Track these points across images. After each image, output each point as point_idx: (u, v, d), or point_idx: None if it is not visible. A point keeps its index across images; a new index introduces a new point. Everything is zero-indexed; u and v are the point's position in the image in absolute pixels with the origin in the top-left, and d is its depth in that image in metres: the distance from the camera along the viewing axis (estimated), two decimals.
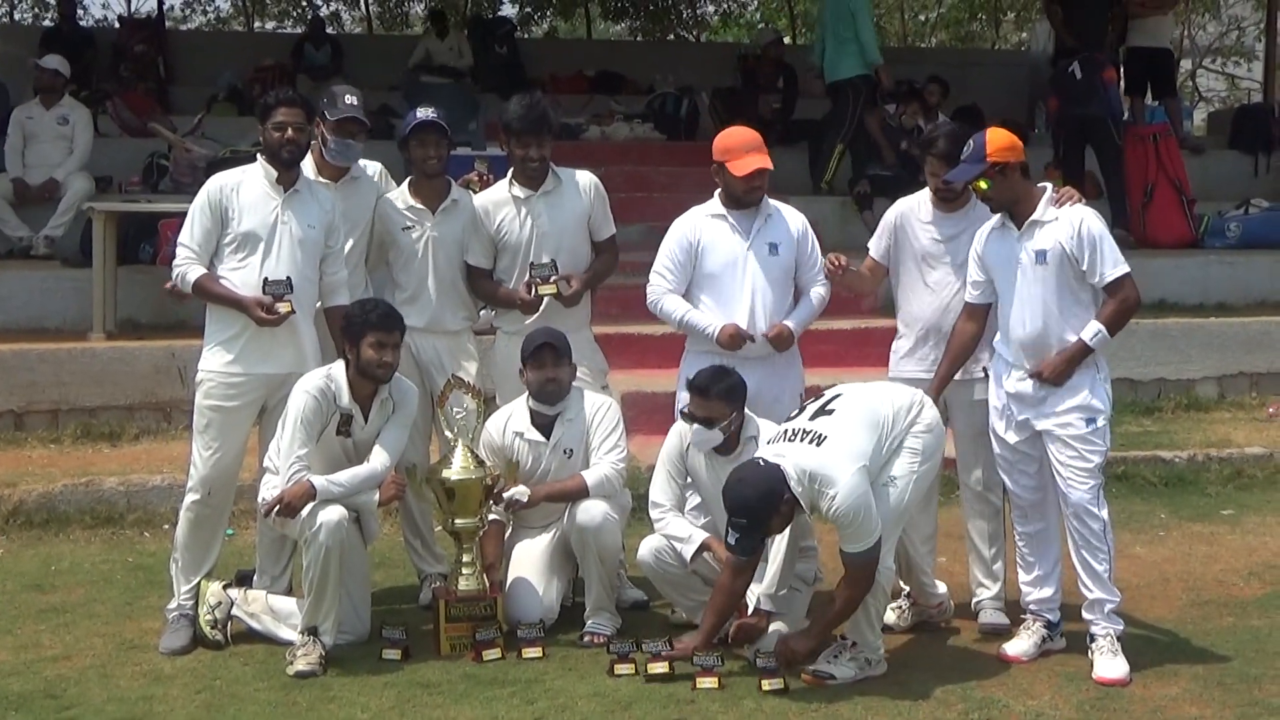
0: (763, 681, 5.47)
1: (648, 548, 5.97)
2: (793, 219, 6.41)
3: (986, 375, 6.04)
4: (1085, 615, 5.79)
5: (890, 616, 6.07)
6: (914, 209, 6.27)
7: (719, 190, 6.36)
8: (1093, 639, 5.75)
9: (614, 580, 6.26)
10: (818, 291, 6.41)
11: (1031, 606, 5.96)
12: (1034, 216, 5.77)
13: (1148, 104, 13.88)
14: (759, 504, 5.35)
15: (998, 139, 5.77)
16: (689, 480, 6.02)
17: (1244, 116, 15.52)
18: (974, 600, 6.30)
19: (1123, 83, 13.53)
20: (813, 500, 5.39)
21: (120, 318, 9.81)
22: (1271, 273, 12.03)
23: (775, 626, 5.73)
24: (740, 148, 6.27)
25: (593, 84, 15.83)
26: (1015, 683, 5.58)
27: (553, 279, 6.34)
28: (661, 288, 6.35)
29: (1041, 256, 5.72)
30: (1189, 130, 17.04)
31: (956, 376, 6.08)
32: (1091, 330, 5.69)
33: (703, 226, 6.34)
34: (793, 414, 5.75)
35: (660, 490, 5.98)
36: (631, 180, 11.83)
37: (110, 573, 7.08)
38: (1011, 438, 5.86)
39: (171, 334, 9.33)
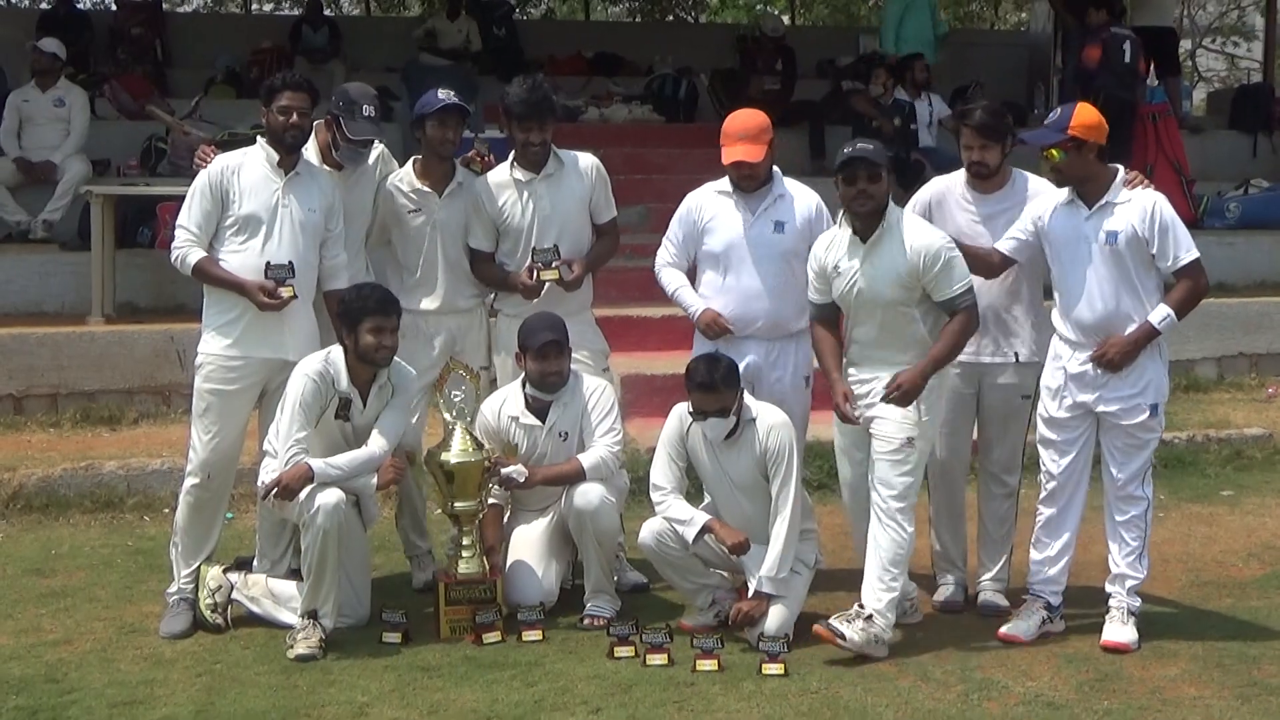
0: (763, 665, 5.48)
1: (649, 531, 5.98)
2: (805, 200, 6.39)
3: (1018, 359, 6.04)
4: (1107, 586, 5.82)
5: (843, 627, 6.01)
6: (951, 188, 6.18)
7: None
8: (1108, 610, 5.78)
9: (613, 563, 6.26)
10: None
11: (1035, 586, 5.97)
12: (1106, 198, 5.75)
13: (1148, 84, 13.85)
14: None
15: (1085, 115, 5.77)
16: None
17: (1244, 96, 15.49)
18: (977, 580, 6.30)
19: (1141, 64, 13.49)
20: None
21: (119, 301, 9.81)
22: (1271, 253, 12.04)
23: (775, 609, 5.74)
24: (732, 134, 6.27)
25: (591, 65, 15.78)
26: (1015, 664, 5.59)
27: (554, 264, 6.34)
28: (663, 259, 6.42)
29: (1113, 238, 5.70)
30: (1188, 110, 16.99)
31: (988, 359, 6.05)
32: (1160, 314, 5.67)
33: (708, 203, 6.36)
34: None
35: (661, 473, 5.98)
36: (630, 162, 11.81)
37: (110, 557, 7.08)
38: (1062, 416, 5.84)
39: (170, 317, 9.34)
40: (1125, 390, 5.72)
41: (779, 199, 6.32)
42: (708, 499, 6.08)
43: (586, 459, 6.10)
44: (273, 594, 6.05)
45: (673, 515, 5.91)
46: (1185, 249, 5.70)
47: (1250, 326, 10.54)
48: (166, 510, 7.40)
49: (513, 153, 6.53)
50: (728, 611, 5.87)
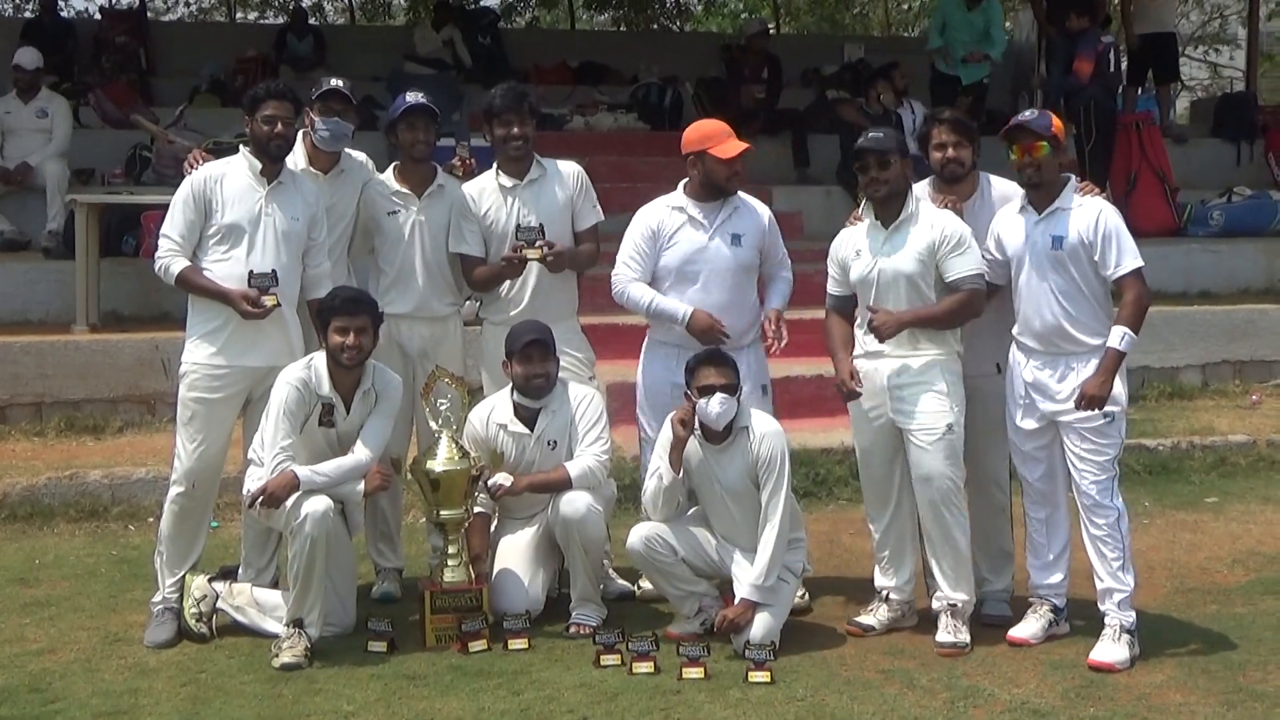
0: (749, 673, 5.47)
1: (637, 535, 5.97)
2: (759, 210, 6.43)
3: (999, 370, 6.04)
4: (1100, 604, 5.80)
5: (868, 619, 6.09)
6: (923, 194, 6.15)
7: (684, 182, 6.38)
8: (1103, 626, 5.77)
9: (599, 571, 6.26)
10: (785, 276, 6.49)
11: (1040, 591, 5.99)
12: (1056, 204, 5.78)
13: (1139, 92, 13.92)
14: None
15: (1058, 121, 5.84)
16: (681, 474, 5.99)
17: (1227, 105, 15.54)
18: (979, 591, 6.21)
19: (1125, 69, 13.55)
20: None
21: (103, 310, 9.79)
22: (1255, 260, 12.08)
23: (761, 617, 5.73)
24: (718, 134, 6.30)
25: (576, 74, 15.78)
26: (1001, 671, 5.59)
27: (538, 243, 6.33)
28: (626, 276, 6.36)
29: (1059, 243, 5.73)
30: (1172, 118, 17.06)
31: (969, 373, 6.01)
32: (1118, 335, 5.67)
33: (665, 218, 6.37)
34: None
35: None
36: (615, 170, 11.81)
37: (95, 566, 7.06)
38: (1027, 425, 5.87)
39: (155, 326, 9.33)
40: (1074, 399, 5.72)
41: (735, 210, 6.35)
42: (696, 506, 6.08)
43: (573, 467, 6.09)
44: (258, 603, 6.03)
45: (651, 488, 5.94)
46: (1129, 256, 5.71)
47: (1235, 334, 10.58)
48: (151, 519, 7.38)
49: (496, 161, 6.55)
50: (714, 619, 5.87)
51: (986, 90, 13.40)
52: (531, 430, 6.17)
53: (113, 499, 7.83)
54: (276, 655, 5.68)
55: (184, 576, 6.07)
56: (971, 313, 5.88)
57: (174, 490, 6.11)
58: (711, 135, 6.29)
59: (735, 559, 5.90)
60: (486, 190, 6.51)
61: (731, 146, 6.24)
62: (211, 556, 6.51)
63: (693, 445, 5.93)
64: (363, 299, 5.99)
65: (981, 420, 6.10)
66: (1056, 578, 5.97)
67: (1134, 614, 5.77)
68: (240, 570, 6.23)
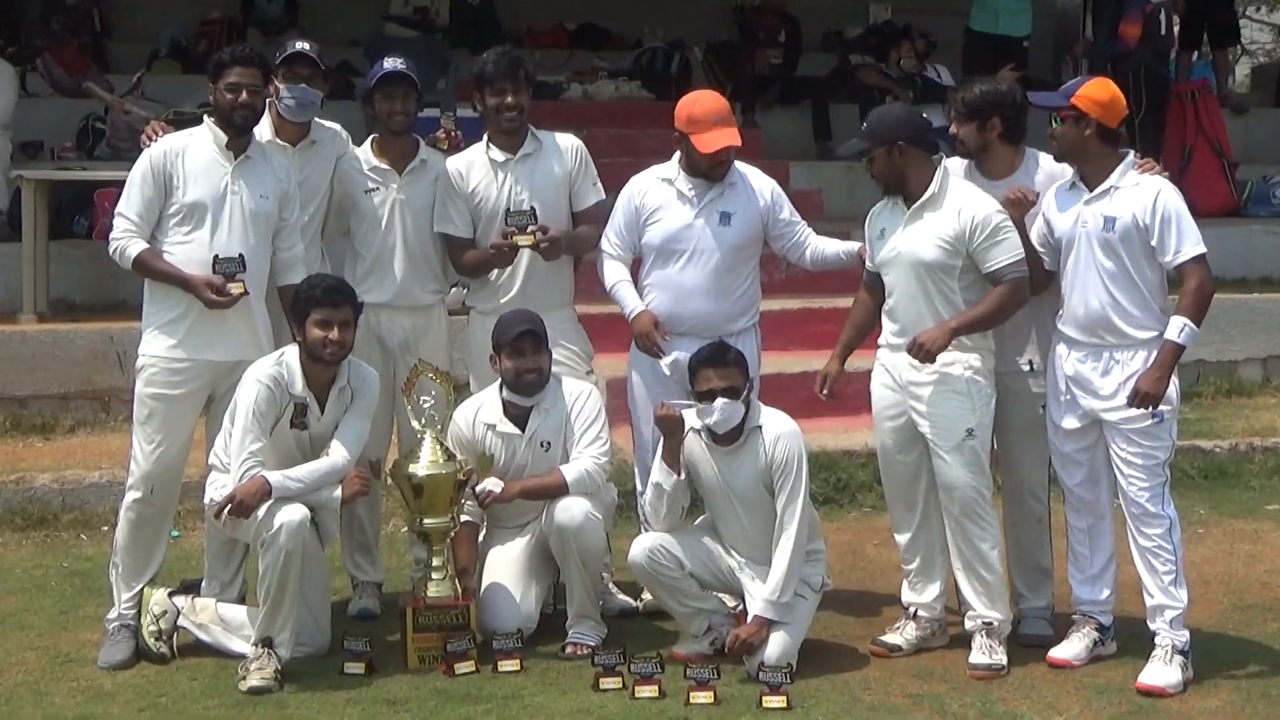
0: (763, 697, 5.48)
1: (640, 548, 5.98)
2: (759, 186, 6.46)
3: (1033, 368, 6.07)
4: (1149, 623, 5.80)
5: (894, 639, 6.11)
6: (954, 172, 6.17)
7: (679, 153, 6.44)
8: (1153, 646, 5.77)
9: (598, 585, 6.27)
10: (836, 247, 6.55)
11: (1083, 608, 6.00)
12: (1109, 182, 5.78)
13: (1193, 58, 13.90)
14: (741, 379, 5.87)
15: (1095, 89, 5.81)
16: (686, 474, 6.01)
17: None
18: (1016, 609, 6.25)
19: (1177, 34, 13.52)
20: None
21: (53, 297, 9.78)
22: None
23: (777, 636, 5.74)
24: (706, 119, 6.31)
25: (574, 38, 15.75)
26: (1040, 695, 5.60)
27: (530, 229, 6.33)
28: (606, 250, 6.49)
29: (1110, 224, 5.72)
30: (1231, 86, 17.02)
31: (999, 368, 6.04)
32: (1176, 326, 5.66)
33: (651, 191, 6.43)
34: None
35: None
36: (617, 144, 11.80)
37: (44, 579, 7.07)
38: (1069, 424, 5.88)
39: (110, 315, 9.32)
40: (1126, 394, 5.72)
41: (729, 188, 6.40)
42: (705, 515, 6.09)
43: (570, 471, 6.10)
44: (223, 620, 6.04)
45: (650, 498, 5.98)
46: (1190, 243, 5.70)
47: None
48: (105, 528, 7.39)
49: (486, 133, 6.55)
50: (725, 639, 5.88)
51: (1027, 53, 13.35)
52: (523, 431, 6.17)
53: (63, 505, 7.84)
54: (244, 678, 5.69)
55: (142, 591, 6.08)
56: (1017, 304, 5.88)
57: (130, 496, 6.11)
58: (698, 119, 6.31)
59: (748, 573, 5.90)
60: (475, 165, 6.52)
61: (713, 139, 6.26)
62: (172, 569, 6.52)
63: (699, 448, 5.94)
64: (345, 289, 6.00)
65: (1014, 421, 6.12)
66: (1102, 593, 5.98)
67: (1187, 633, 5.77)
68: (203, 584, 6.24)
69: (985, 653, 5.88)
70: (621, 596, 6.56)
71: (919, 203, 5.88)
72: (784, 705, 5.45)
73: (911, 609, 6.12)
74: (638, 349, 6.42)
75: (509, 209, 6.39)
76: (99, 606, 6.36)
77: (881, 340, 6.06)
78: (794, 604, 5.83)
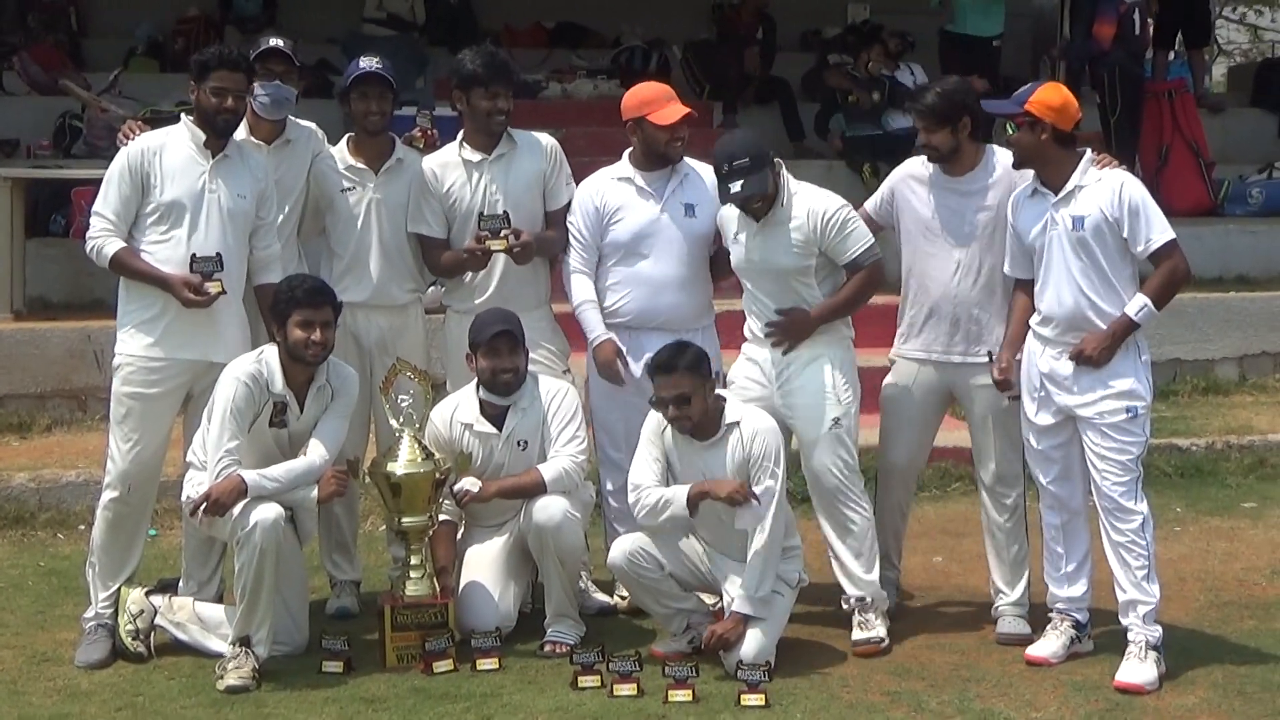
0: (741, 695, 5.49)
1: (619, 550, 5.98)
2: (709, 177, 6.45)
3: (990, 358, 6.11)
4: (1121, 619, 5.85)
5: (880, 630, 6.15)
6: (914, 171, 6.32)
7: (628, 151, 6.51)
8: (1127, 643, 5.80)
9: (576, 584, 6.27)
10: None
11: (1059, 605, 6.03)
12: (1072, 183, 5.83)
13: (1169, 57, 13.92)
14: (755, 146, 5.98)
15: (1046, 94, 5.88)
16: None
17: (1268, 71, 15.54)
18: (993, 607, 6.32)
19: (1151, 33, 13.54)
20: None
21: (29, 296, 9.76)
22: None
23: (754, 633, 5.75)
24: (660, 97, 6.42)
25: (552, 36, 15.74)
26: (1018, 693, 5.62)
27: (503, 233, 6.33)
28: (571, 264, 6.51)
29: (1079, 223, 5.78)
30: (1208, 86, 17.07)
31: (957, 359, 6.18)
32: (1137, 304, 5.73)
33: (609, 190, 6.47)
34: None
35: (641, 470, 5.98)
36: (596, 143, 11.76)
37: (20, 578, 7.06)
38: (1042, 420, 5.93)
39: (87, 314, 9.30)
40: (1101, 391, 5.78)
41: (686, 178, 6.45)
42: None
43: (547, 470, 6.10)
44: (200, 619, 6.04)
45: (652, 502, 5.89)
46: (1159, 230, 5.77)
47: (1275, 323, 10.57)
48: (82, 527, 7.37)
49: (461, 132, 6.55)
50: (703, 637, 5.88)
51: (999, 53, 13.37)
52: (500, 430, 6.17)
53: (40, 504, 7.82)
54: (221, 677, 5.68)
55: (119, 590, 6.06)
56: (875, 287, 6.14)
57: (107, 495, 6.10)
58: (650, 100, 6.41)
59: (725, 569, 5.91)
60: (450, 165, 6.51)
61: (671, 111, 6.36)
62: (149, 568, 6.52)
63: (676, 443, 5.95)
64: (326, 290, 6.00)
65: (977, 412, 6.23)
66: (1077, 590, 6.01)
67: (1159, 628, 5.80)
68: (181, 583, 6.23)
69: (863, 628, 6.03)
70: (600, 595, 6.57)
71: (770, 214, 6.09)
72: (762, 703, 5.46)
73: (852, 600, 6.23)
74: (600, 376, 6.48)
75: (483, 212, 6.39)
76: (76, 606, 6.35)
77: (747, 334, 6.27)
78: (771, 600, 5.84)
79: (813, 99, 13.26)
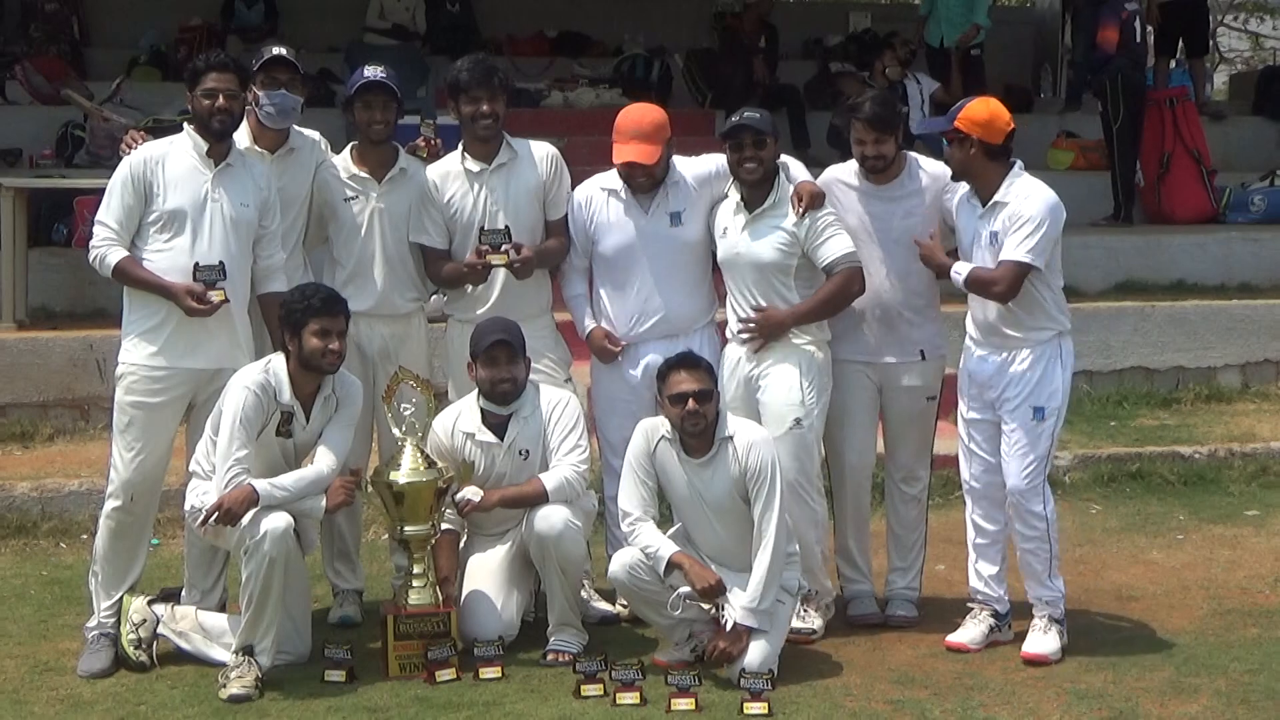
0: (745, 704, 5.49)
1: (619, 563, 5.98)
2: (699, 170, 6.48)
3: (924, 357, 6.37)
4: (1030, 602, 6.16)
5: (816, 622, 6.35)
6: (842, 176, 6.46)
7: None
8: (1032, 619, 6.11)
9: (579, 593, 6.27)
10: None
11: (980, 595, 6.24)
12: (996, 197, 6.02)
13: (1170, 65, 13.92)
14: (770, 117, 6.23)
15: (975, 110, 6.07)
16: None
17: (1269, 79, 15.56)
18: (887, 589, 6.60)
19: (1152, 40, 13.56)
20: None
21: (32, 305, 9.75)
22: None
23: (757, 644, 5.75)
24: (626, 131, 6.42)
25: (554, 45, 15.76)
26: (1020, 701, 5.62)
27: (504, 247, 6.34)
28: (570, 261, 6.62)
29: (994, 238, 6.01)
30: (1209, 94, 17.08)
31: (891, 359, 6.39)
32: (963, 270, 6.04)
33: (596, 202, 6.52)
34: None
35: (628, 497, 5.99)
36: (598, 152, 11.67)
37: (23, 588, 7.06)
38: (970, 416, 6.20)
39: (89, 323, 9.30)
40: (1012, 390, 6.05)
41: (672, 187, 6.46)
42: (677, 524, 6.09)
43: (549, 479, 6.10)
44: (203, 628, 6.04)
45: (643, 544, 5.92)
46: (1015, 247, 5.92)
47: (1278, 330, 10.57)
48: (85, 536, 7.37)
49: (461, 142, 6.55)
50: (705, 646, 5.88)
51: (979, 61, 13.35)
52: (501, 439, 6.17)
53: (42, 514, 7.82)
54: (224, 686, 5.68)
55: (121, 599, 6.07)
56: (851, 293, 6.25)
57: (110, 504, 6.10)
58: (618, 130, 6.44)
59: (727, 581, 5.89)
60: (451, 175, 6.52)
61: (622, 153, 6.37)
62: (152, 577, 6.51)
63: (672, 461, 5.97)
64: (340, 299, 6.02)
65: (897, 410, 6.48)
66: (995, 581, 6.22)
67: (1063, 607, 6.12)
68: (183, 592, 6.23)
69: (800, 618, 6.25)
70: (602, 604, 6.56)
71: (764, 206, 6.23)
72: (765, 712, 5.46)
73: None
74: (598, 360, 6.58)
75: (483, 227, 6.39)
76: (78, 615, 6.35)
77: (729, 334, 6.39)
78: (773, 610, 5.84)
79: (816, 107, 13.27)
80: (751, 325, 6.22)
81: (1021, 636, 6.14)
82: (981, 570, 6.23)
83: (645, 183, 6.39)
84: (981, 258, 6.03)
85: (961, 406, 6.26)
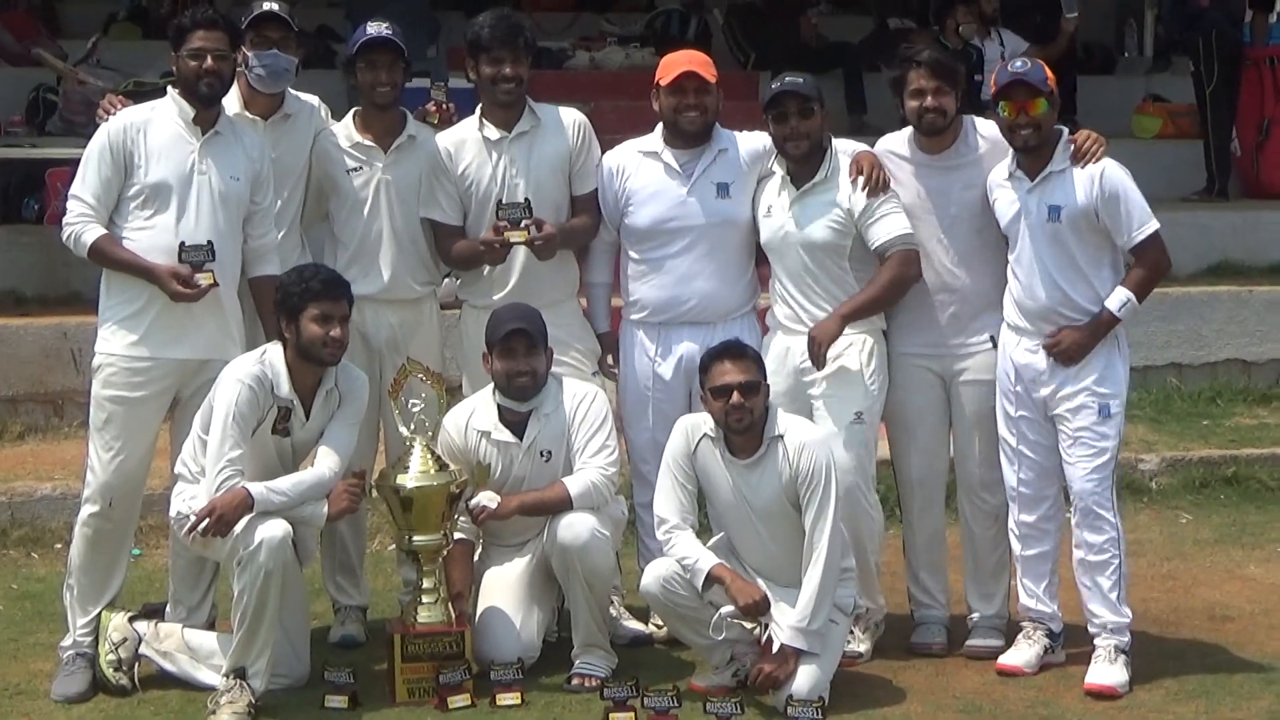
0: None
1: (652, 575, 5.99)
2: (749, 146, 6.50)
3: (994, 344, 6.28)
4: (1090, 629, 6.07)
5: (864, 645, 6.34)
6: (894, 147, 6.43)
7: (661, 123, 6.54)
8: (1094, 648, 6.04)
9: (607, 610, 6.27)
10: None
11: (1031, 613, 6.22)
12: (1049, 168, 6.01)
13: (1270, 20, 13.85)
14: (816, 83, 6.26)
15: (1050, 72, 6.08)
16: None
17: None
18: (968, 618, 6.52)
19: None
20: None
21: (0, 289, 9.80)
22: None
23: (806, 669, 5.74)
24: (674, 59, 6.48)
25: (580, 0, 15.80)
26: None
27: (524, 223, 6.34)
28: (592, 246, 6.66)
29: (1055, 213, 5.97)
30: None
31: (957, 349, 6.34)
32: (1119, 299, 5.94)
33: (631, 166, 6.51)
34: None
35: (665, 502, 6.00)
36: (627, 118, 11.73)
37: None
38: (1018, 415, 6.14)
39: (64, 309, 9.33)
40: (1070, 387, 6.01)
41: (720, 154, 6.46)
42: (719, 534, 6.10)
43: (573, 484, 6.11)
44: (190, 648, 6.06)
45: (679, 554, 5.92)
46: (1139, 222, 5.95)
47: None
48: (59, 545, 7.42)
49: (479, 106, 6.55)
50: (748, 669, 5.89)
51: (1060, 9, 13.28)
52: (520, 439, 6.18)
53: (12, 520, 7.85)
54: (213, 712, 5.71)
55: (99, 615, 6.09)
56: (908, 280, 6.22)
57: (87, 510, 6.13)
58: (665, 64, 6.48)
59: (774, 597, 5.90)
60: (467, 143, 6.52)
61: (673, 65, 6.41)
62: (133, 591, 6.54)
63: (715, 462, 5.96)
64: (342, 281, 6.04)
65: (965, 408, 6.38)
66: (1048, 598, 6.22)
67: (1129, 635, 6.04)
68: (168, 608, 6.26)
69: (852, 641, 6.23)
70: (633, 623, 6.57)
71: (814, 181, 6.22)
72: None
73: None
74: (635, 328, 6.54)
75: (501, 201, 6.40)
76: (52, 633, 6.39)
77: (771, 323, 6.38)
78: (825, 630, 5.84)
79: (873, 67, 13.22)
80: (811, 352, 6.13)
81: (1075, 659, 6.12)
82: (1031, 585, 6.21)
83: (696, 117, 6.37)
84: (1033, 235, 6.00)
85: (1003, 404, 6.20)
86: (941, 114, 6.19)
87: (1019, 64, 6.21)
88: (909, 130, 6.35)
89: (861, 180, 6.17)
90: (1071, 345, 5.94)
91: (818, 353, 6.06)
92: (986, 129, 6.32)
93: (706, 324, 6.39)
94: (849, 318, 6.13)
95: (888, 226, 6.15)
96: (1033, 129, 5.98)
